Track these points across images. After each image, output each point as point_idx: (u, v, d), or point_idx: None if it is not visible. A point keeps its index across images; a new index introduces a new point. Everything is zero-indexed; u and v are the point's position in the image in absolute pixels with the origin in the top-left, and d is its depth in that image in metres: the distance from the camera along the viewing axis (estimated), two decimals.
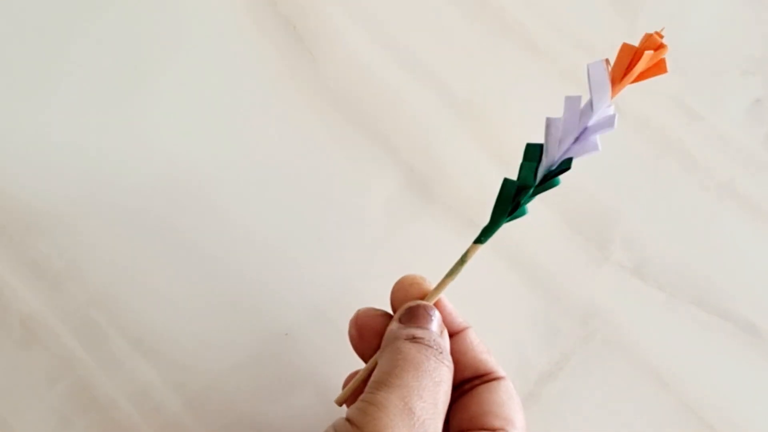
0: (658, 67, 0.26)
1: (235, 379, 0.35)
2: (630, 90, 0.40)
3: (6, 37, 0.39)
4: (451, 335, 0.31)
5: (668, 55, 0.26)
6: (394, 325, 0.29)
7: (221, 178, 0.38)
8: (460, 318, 0.31)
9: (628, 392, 0.36)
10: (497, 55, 0.40)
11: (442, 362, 0.28)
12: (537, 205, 0.38)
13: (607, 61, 0.27)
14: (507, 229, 0.38)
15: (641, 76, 0.27)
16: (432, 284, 0.30)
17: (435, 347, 0.28)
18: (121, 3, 0.39)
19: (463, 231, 0.38)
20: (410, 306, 0.30)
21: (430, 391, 0.27)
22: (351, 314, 0.31)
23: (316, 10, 0.40)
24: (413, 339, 0.28)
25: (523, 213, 0.29)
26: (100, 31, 0.39)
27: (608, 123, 0.27)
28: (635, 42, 0.26)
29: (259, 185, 0.38)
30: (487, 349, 0.31)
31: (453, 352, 0.30)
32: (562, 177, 0.28)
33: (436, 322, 0.29)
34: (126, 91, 0.38)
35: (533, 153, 0.28)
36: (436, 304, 0.30)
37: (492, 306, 0.37)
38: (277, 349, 0.36)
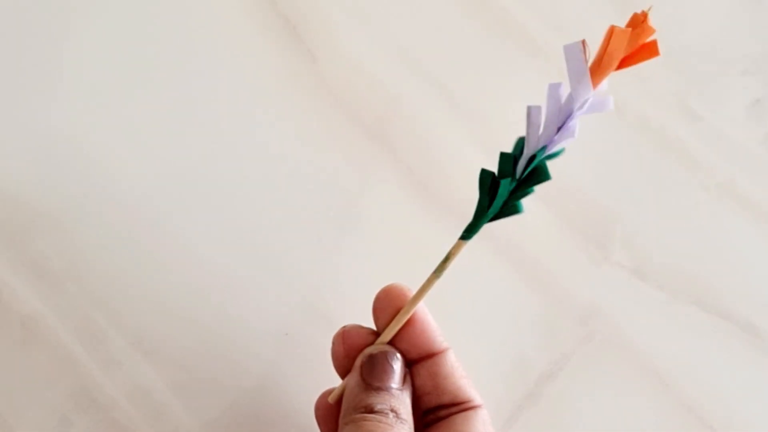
0: (649, 51, 0.25)
1: (236, 379, 0.35)
2: (630, 90, 0.40)
3: (6, 38, 0.39)
4: (431, 356, 0.30)
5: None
6: (354, 380, 0.30)
7: (221, 178, 0.38)
8: (441, 338, 0.31)
9: (628, 392, 0.36)
10: (497, 55, 0.40)
11: (403, 427, 0.28)
12: (537, 205, 0.38)
13: (583, 43, 0.25)
14: (507, 229, 0.38)
15: (633, 62, 0.25)
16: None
17: (394, 417, 0.29)
18: (121, 3, 0.39)
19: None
20: (371, 355, 0.30)
21: None
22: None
23: (316, 10, 0.40)
24: (373, 412, 0.28)
25: (518, 210, 0.28)
26: (99, 30, 0.39)
27: (602, 105, 0.26)
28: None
29: (259, 185, 0.38)
30: (466, 373, 0.31)
31: (432, 376, 0.30)
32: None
33: (397, 374, 0.30)
34: (126, 90, 0.38)
35: (516, 145, 0.28)
36: (418, 324, 0.30)
37: (492, 306, 0.37)
38: (277, 349, 0.36)
